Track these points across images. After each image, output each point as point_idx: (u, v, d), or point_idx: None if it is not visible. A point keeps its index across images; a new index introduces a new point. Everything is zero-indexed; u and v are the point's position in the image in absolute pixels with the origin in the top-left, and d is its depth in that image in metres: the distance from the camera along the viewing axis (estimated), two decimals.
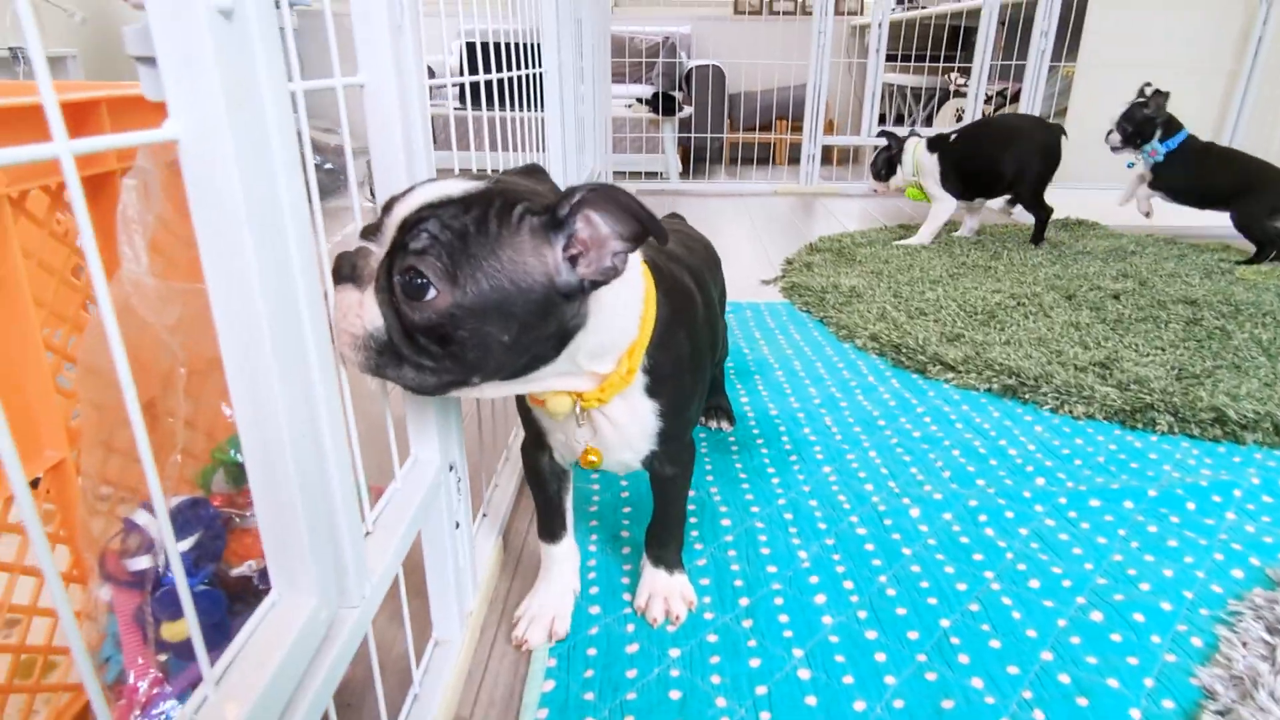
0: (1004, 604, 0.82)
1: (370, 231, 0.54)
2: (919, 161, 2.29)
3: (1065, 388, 1.28)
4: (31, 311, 0.52)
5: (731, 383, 1.36)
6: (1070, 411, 1.25)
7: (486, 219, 0.51)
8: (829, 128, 4.41)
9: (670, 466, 0.75)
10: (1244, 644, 0.75)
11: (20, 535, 0.55)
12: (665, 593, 0.79)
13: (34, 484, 0.57)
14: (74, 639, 0.28)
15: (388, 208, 0.53)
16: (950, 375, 1.38)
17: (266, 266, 0.37)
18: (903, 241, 2.31)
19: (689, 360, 0.70)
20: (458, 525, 0.71)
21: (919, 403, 1.29)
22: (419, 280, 0.49)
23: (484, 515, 0.90)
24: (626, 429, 0.68)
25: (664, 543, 0.81)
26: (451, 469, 0.69)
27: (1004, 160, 2.22)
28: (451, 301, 0.50)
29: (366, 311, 0.51)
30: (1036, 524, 0.96)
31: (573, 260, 0.54)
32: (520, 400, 0.74)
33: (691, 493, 1.02)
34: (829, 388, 1.35)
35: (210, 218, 0.35)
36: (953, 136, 2.29)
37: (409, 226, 0.50)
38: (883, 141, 2.36)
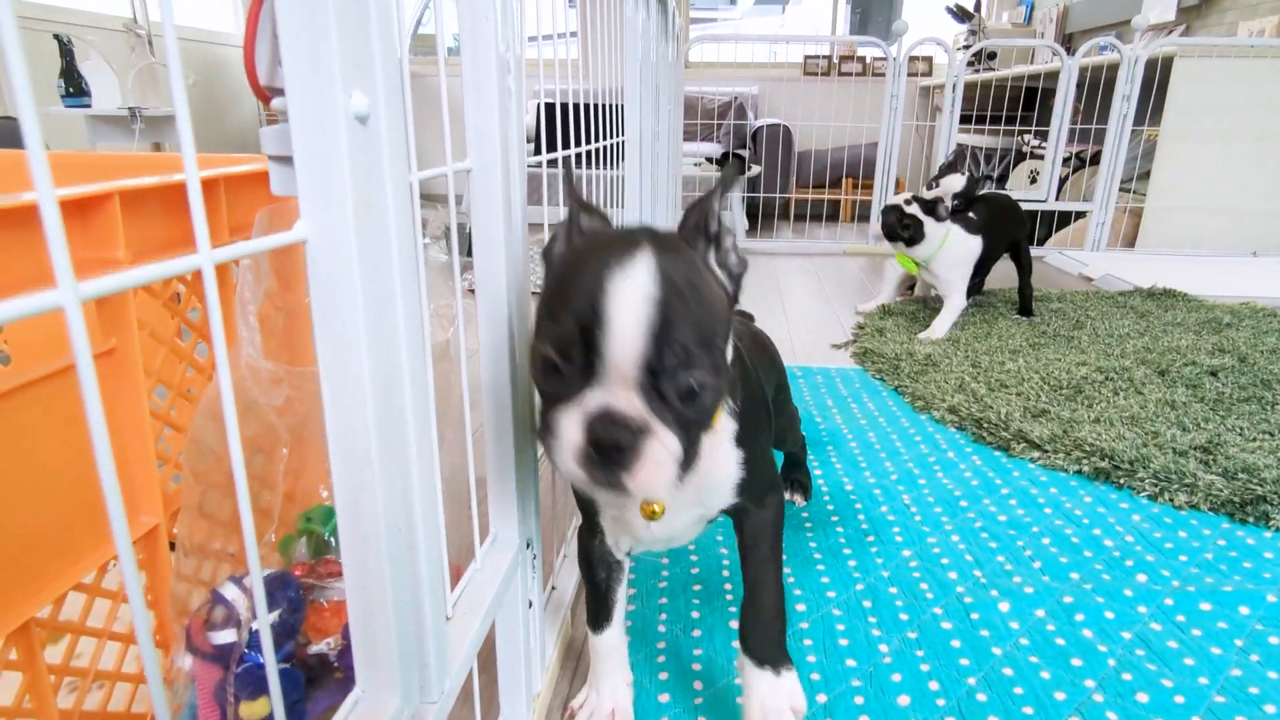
0: (1107, 717, 0.75)
1: (567, 354, 0.47)
2: (954, 243, 1.98)
3: (1164, 473, 1.20)
4: (141, 379, 0.53)
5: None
6: (1171, 500, 1.17)
7: (696, 287, 0.48)
8: (899, 187, 4.38)
9: (759, 510, 0.68)
10: None
11: (110, 600, 0.56)
12: (776, 705, 0.66)
13: None
14: (159, 703, 0.28)
15: (589, 328, 0.46)
16: (1036, 454, 1.31)
17: (377, 358, 0.37)
18: (925, 335, 1.97)
19: (764, 418, 0.68)
20: (531, 604, 0.69)
21: (1003, 483, 1.23)
22: (696, 388, 0.47)
23: (553, 588, 0.88)
24: (707, 478, 0.62)
25: (767, 633, 0.68)
26: (528, 546, 0.68)
27: (1013, 234, 2.17)
28: (714, 381, 0.48)
29: (670, 444, 0.47)
30: (1140, 627, 0.89)
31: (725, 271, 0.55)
32: None
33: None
34: (906, 462, 1.30)
35: (330, 313, 0.35)
36: (972, 214, 2.06)
37: (658, 344, 0.45)
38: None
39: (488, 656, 0.70)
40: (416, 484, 0.41)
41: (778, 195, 3.95)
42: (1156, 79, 3.04)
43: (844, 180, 4.54)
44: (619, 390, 0.46)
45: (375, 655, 0.41)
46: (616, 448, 0.45)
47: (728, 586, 0.96)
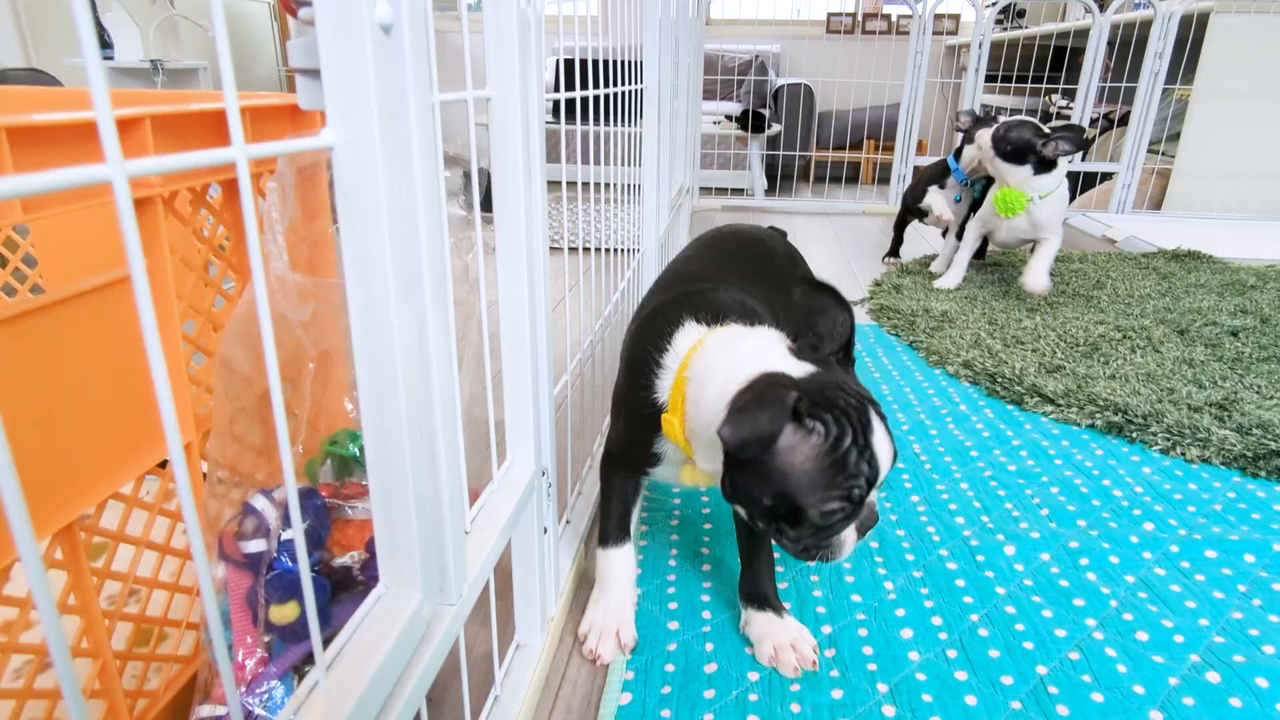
0: (1108, 655, 0.77)
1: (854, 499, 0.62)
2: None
3: (1177, 428, 1.21)
4: (174, 304, 0.56)
5: None
6: (1183, 454, 1.17)
7: None
8: (920, 148, 4.31)
9: None
10: None
11: (148, 512, 0.58)
12: (790, 640, 0.75)
13: (162, 465, 0.61)
14: (209, 605, 0.30)
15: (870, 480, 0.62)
16: (1049, 408, 1.31)
17: (400, 268, 0.38)
18: (1032, 285, 1.86)
19: None
20: (545, 530, 0.72)
21: (1014, 435, 1.24)
22: None
23: (567, 522, 0.91)
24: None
25: (760, 578, 0.78)
26: (544, 474, 0.70)
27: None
28: None
29: None
30: (1145, 572, 0.90)
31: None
32: (647, 433, 0.74)
33: None
34: (918, 414, 1.31)
35: (356, 220, 0.36)
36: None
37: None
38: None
39: (504, 584, 0.73)
40: (437, 392, 0.43)
41: (797, 154, 3.91)
42: (1190, 36, 2.95)
43: (865, 142, 4.47)
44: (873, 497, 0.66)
45: (398, 554, 0.44)
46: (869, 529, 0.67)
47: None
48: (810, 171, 4.33)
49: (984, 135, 1.87)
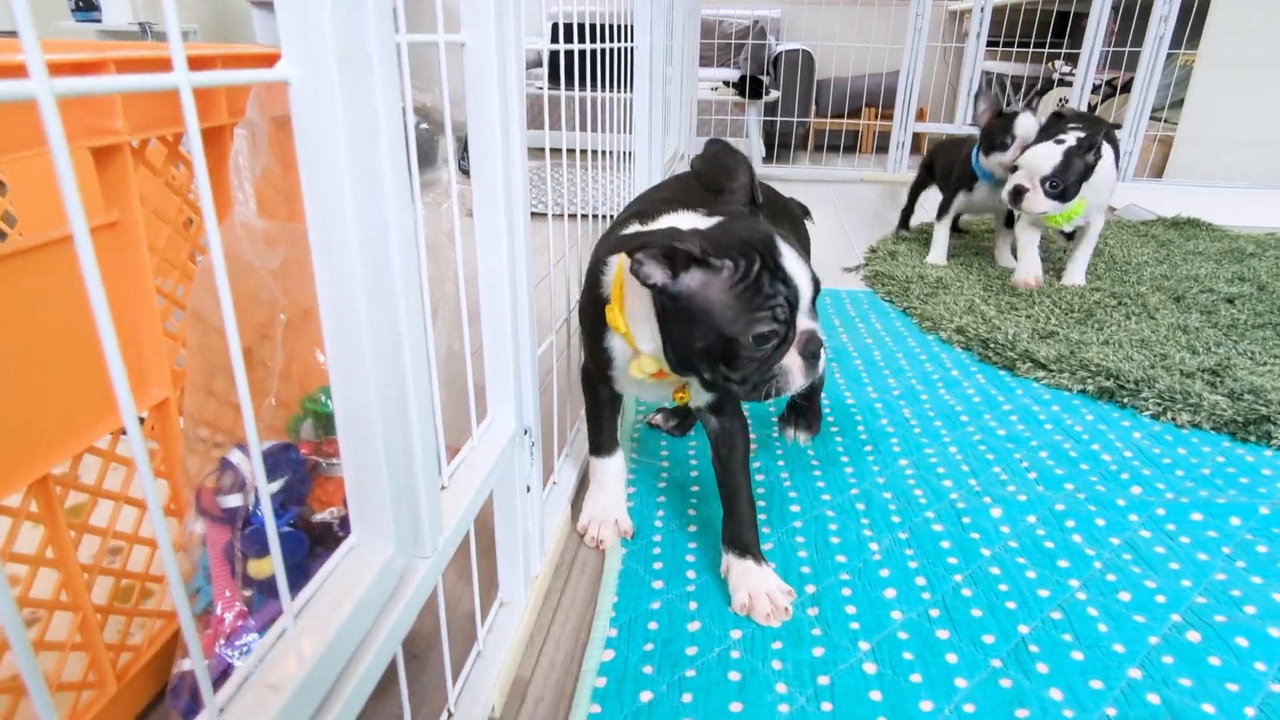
0: (1089, 615, 0.77)
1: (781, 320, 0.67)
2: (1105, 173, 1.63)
3: (1169, 393, 1.20)
4: (146, 257, 0.55)
5: None
6: (1174, 419, 1.17)
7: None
8: (920, 115, 4.26)
9: (729, 419, 0.82)
10: None
11: (127, 468, 0.58)
12: (765, 589, 0.76)
13: (140, 421, 0.61)
14: (170, 566, 0.29)
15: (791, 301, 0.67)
16: (1041, 374, 1.31)
17: (363, 213, 0.37)
18: (1071, 282, 1.73)
19: None
20: (529, 489, 0.72)
21: (1005, 400, 1.24)
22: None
23: (554, 484, 0.91)
24: None
25: (747, 531, 0.80)
26: (526, 433, 0.70)
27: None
28: None
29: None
30: (1130, 534, 0.90)
31: None
32: (599, 331, 0.78)
33: (760, 477, 1.00)
34: (909, 379, 1.31)
35: (314, 160, 0.35)
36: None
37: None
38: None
39: (488, 542, 0.73)
40: (406, 338, 0.42)
41: (796, 121, 3.86)
42: (1195, 2, 2.90)
43: (864, 109, 4.41)
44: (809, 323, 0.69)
45: (368, 505, 0.43)
46: (816, 354, 0.69)
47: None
48: (809, 139, 4.28)
49: (1031, 157, 1.58)
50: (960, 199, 1.90)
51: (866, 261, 1.97)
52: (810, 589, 0.80)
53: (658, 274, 0.65)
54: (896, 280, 1.75)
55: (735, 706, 0.66)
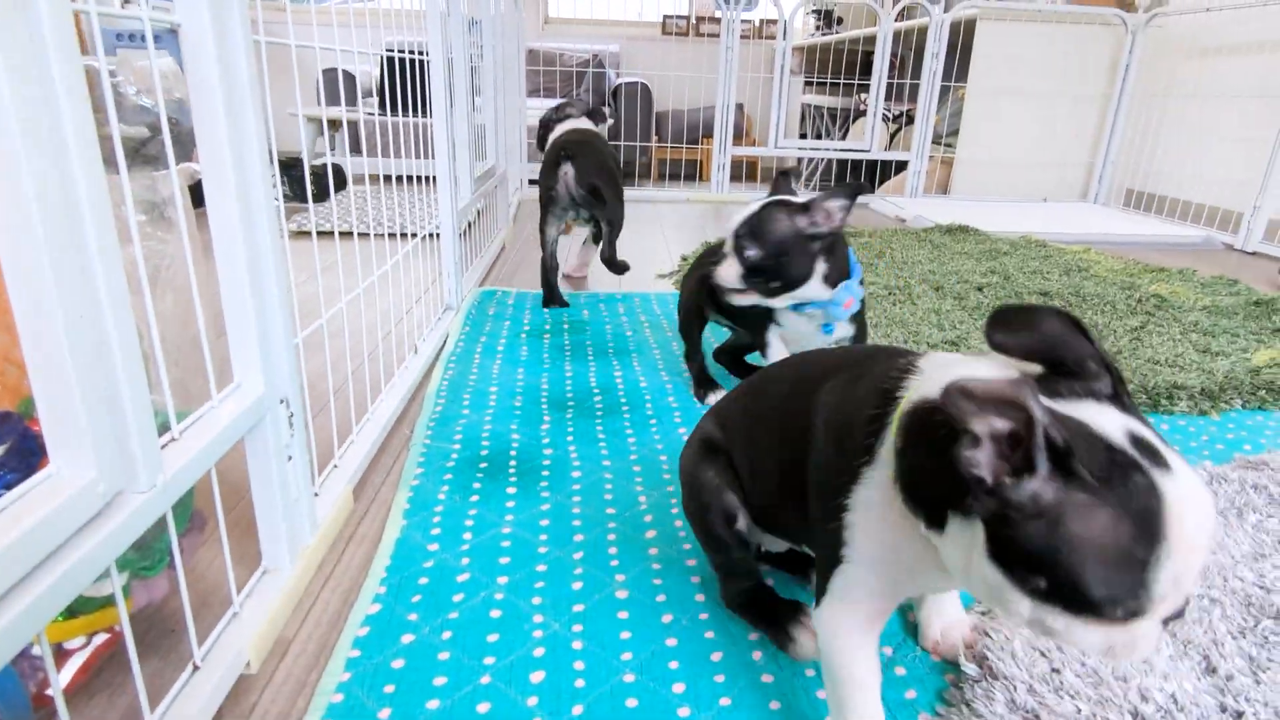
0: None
1: None
2: None
3: None
4: None
5: (608, 359, 1.43)
6: None
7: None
8: (752, 141, 4.59)
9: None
10: None
11: None
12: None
13: None
14: None
15: None
16: None
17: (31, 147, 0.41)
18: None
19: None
20: (290, 458, 0.75)
21: None
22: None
23: (335, 467, 0.93)
24: None
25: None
26: (283, 404, 0.73)
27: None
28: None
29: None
30: None
31: None
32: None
33: (548, 452, 1.07)
34: (667, 399, 1.43)
35: None
36: None
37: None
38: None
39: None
40: (96, 256, 0.46)
41: (638, 147, 4.05)
42: (960, 41, 3.33)
43: (702, 140, 4.69)
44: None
45: (64, 431, 0.46)
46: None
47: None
48: (652, 167, 4.49)
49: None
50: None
51: (679, 269, 2.11)
52: (579, 538, 0.88)
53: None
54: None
55: (492, 637, 0.72)
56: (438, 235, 1.57)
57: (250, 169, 0.65)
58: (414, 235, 1.36)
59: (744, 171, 4.67)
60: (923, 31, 3.38)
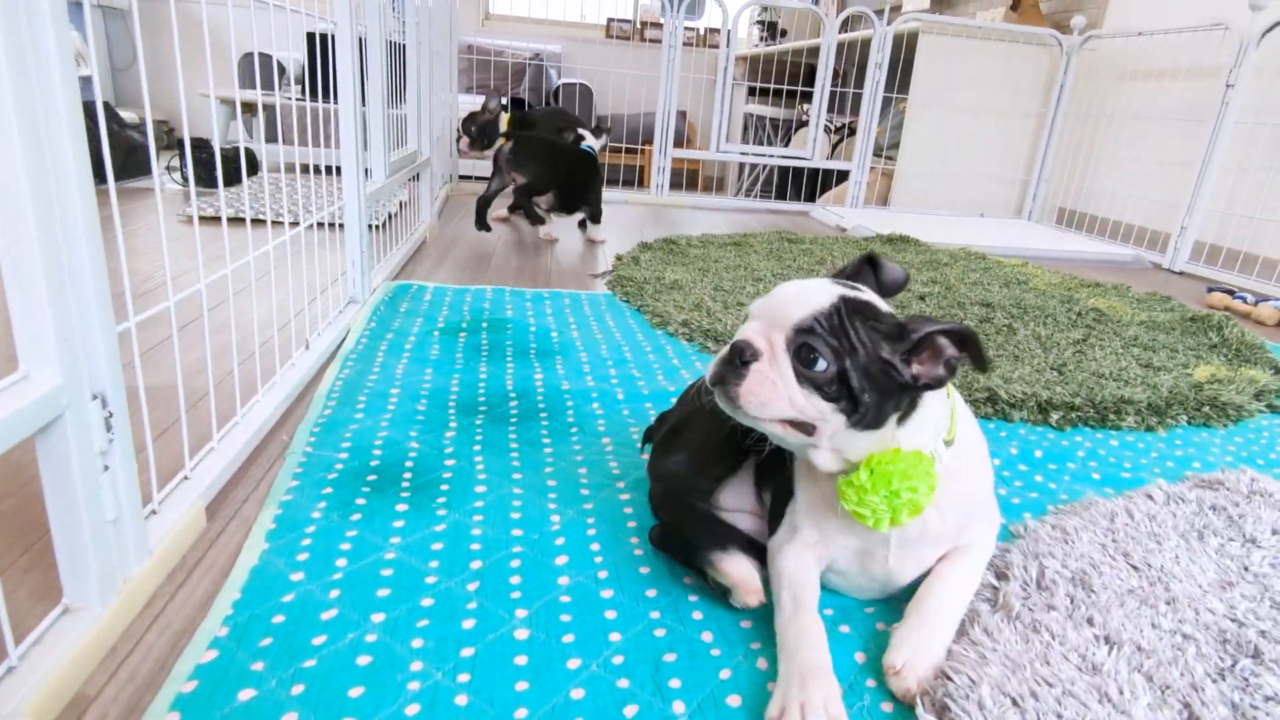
0: None
1: None
2: None
3: None
4: None
5: (529, 362, 1.30)
6: None
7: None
8: (690, 141, 4.53)
9: None
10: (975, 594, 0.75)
11: None
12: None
13: None
14: None
15: None
16: None
17: None
18: None
19: None
20: (107, 469, 0.60)
21: None
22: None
23: (185, 479, 0.78)
24: None
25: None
26: (98, 400, 0.59)
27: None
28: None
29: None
30: None
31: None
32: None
33: (450, 463, 0.94)
34: (630, 369, 1.32)
35: None
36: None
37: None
38: None
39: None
40: None
41: None
42: (902, 56, 3.33)
43: (642, 145, 4.60)
44: None
45: None
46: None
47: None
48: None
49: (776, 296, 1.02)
50: None
51: (614, 269, 2.00)
52: (476, 564, 0.75)
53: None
54: (634, 282, 1.79)
55: (355, 692, 0.58)
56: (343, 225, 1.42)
57: (56, 128, 0.51)
58: (304, 224, 1.21)
59: (684, 179, 4.61)
60: (866, 44, 3.37)
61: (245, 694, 0.57)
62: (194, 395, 1.04)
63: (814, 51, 4.06)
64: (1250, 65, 2.46)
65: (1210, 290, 2.22)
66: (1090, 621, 0.69)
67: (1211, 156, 2.54)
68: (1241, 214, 2.54)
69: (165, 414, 0.99)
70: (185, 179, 2.68)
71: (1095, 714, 0.57)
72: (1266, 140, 2.50)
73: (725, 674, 0.63)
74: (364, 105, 1.43)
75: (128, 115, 3.32)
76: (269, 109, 3.28)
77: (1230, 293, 2.17)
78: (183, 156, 2.62)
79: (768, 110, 4.69)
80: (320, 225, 1.97)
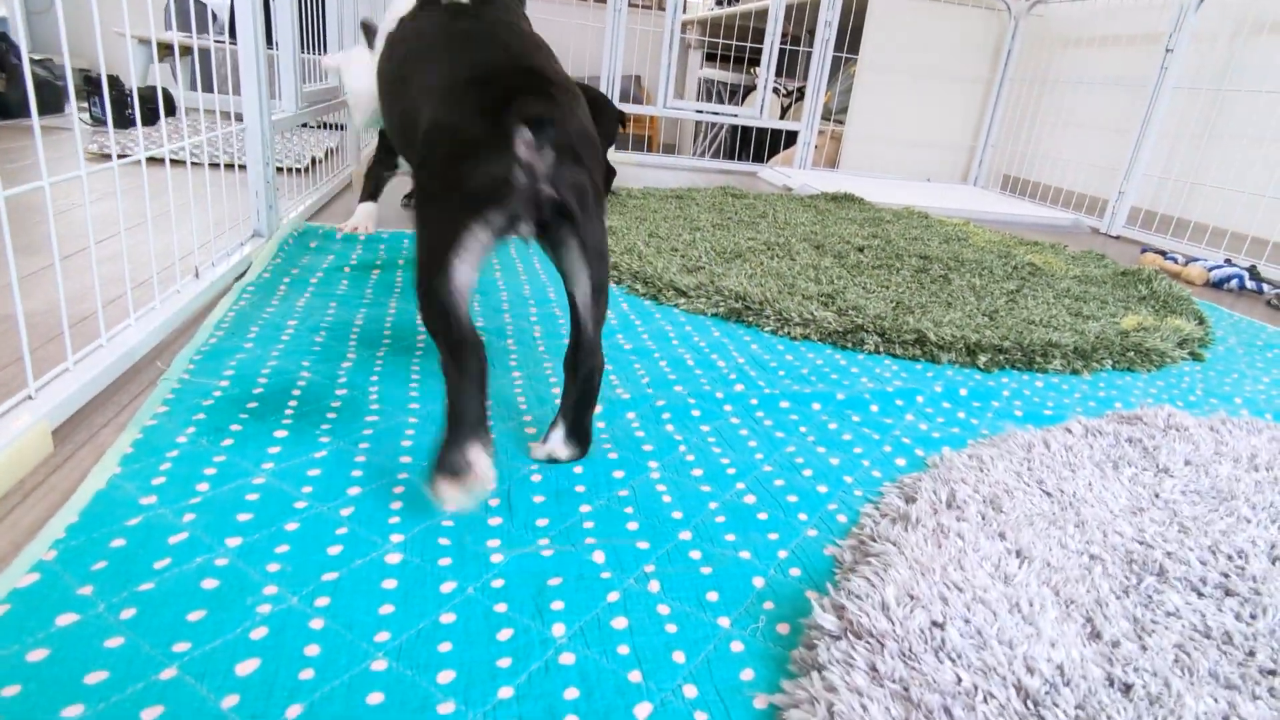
0: (657, 490, 0.74)
1: None
2: None
3: (786, 311, 1.27)
4: None
5: None
6: (789, 333, 1.24)
7: None
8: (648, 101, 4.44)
9: None
10: (883, 515, 0.72)
11: None
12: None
13: None
14: None
15: None
16: (681, 300, 1.33)
17: None
18: None
19: None
20: None
21: (642, 324, 1.23)
22: None
23: (28, 398, 0.70)
24: None
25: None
26: None
27: None
28: None
29: None
30: (720, 422, 0.91)
31: None
32: None
33: (342, 392, 0.88)
34: (552, 308, 1.26)
35: None
36: None
37: None
38: None
39: None
40: None
41: None
42: (852, 22, 3.29)
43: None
44: None
45: None
46: None
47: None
48: None
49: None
50: None
51: None
52: (354, 490, 0.69)
53: None
54: None
55: (195, 615, 0.52)
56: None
57: None
58: (204, 160, 1.12)
59: (644, 144, 4.53)
60: (816, 7, 3.32)
61: (65, 618, 0.51)
62: (71, 320, 0.95)
63: (760, 13, 4.00)
64: (1189, 29, 2.48)
65: (1144, 251, 2.25)
66: (1002, 536, 0.66)
67: (1150, 122, 2.57)
68: (1176, 179, 2.58)
69: (34, 337, 0.90)
70: (95, 118, 2.51)
71: (1004, 623, 0.55)
72: (1203, 106, 2.53)
73: (613, 596, 0.59)
74: (260, 24, 1.33)
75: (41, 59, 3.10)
76: (200, 52, 3.10)
77: (1162, 254, 2.20)
78: (101, 95, 2.45)
79: (724, 75, 4.62)
80: (230, 167, 1.85)
